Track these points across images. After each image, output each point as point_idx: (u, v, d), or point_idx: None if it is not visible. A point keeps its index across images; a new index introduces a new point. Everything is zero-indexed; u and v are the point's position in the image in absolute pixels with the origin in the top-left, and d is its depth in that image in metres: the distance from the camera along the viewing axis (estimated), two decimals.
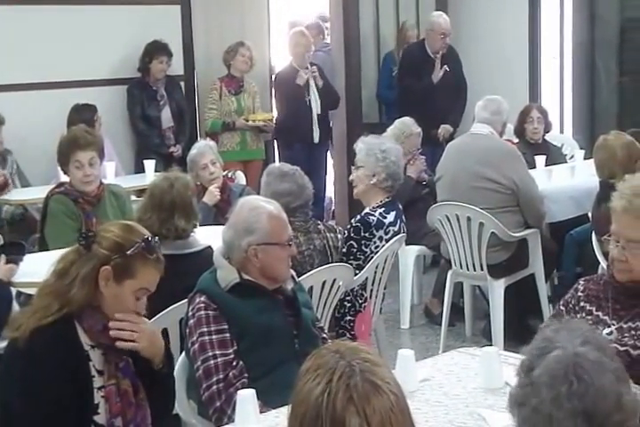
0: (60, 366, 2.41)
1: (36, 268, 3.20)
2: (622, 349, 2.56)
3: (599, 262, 4.70)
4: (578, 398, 1.59)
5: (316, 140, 6.97)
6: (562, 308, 2.84)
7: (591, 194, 4.90)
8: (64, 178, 4.72)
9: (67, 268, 2.49)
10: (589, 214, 5.02)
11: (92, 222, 4.36)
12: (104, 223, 2.78)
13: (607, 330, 2.66)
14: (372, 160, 4.35)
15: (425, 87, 7.04)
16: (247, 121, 6.85)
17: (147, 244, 2.49)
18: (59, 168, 4.79)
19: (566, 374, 1.61)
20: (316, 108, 6.94)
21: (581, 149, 6.59)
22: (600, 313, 2.74)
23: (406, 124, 5.94)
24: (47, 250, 4.29)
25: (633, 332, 2.65)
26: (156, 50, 6.67)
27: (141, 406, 2.55)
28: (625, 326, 2.67)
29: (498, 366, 2.70)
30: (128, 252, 2.46)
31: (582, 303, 2.79)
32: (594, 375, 1.61)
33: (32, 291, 2.85)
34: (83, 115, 6.05)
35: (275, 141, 7.36)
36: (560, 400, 1.59)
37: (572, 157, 6.64)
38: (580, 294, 2.81)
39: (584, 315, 2.77)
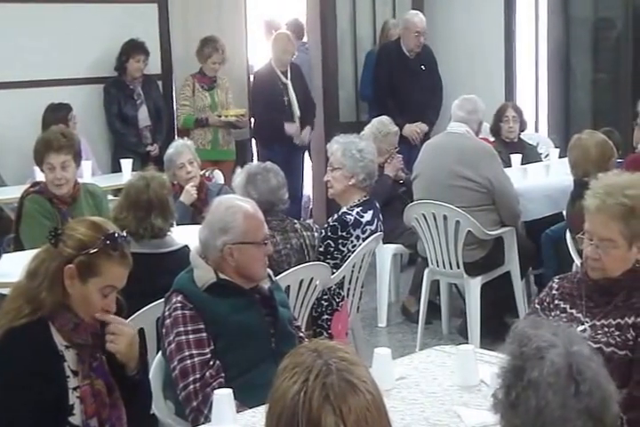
0: (33, 367, 2.39)
1: (12, 268, 3.19)
2: (596, 346, 2.58)
3: (574, 260, 4.73)
4: (585, 397, 1.60)
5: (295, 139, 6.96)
6: (537, 306, 2.85)
7: (566, 192, 4.92)
8: (39, 177, 4.68)
9: (37, 267, 2.48)
10: (564, 213, 5.05)
11: (69, 222, 4.31)
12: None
13: (581, 328, 2.68)
14: (350, 161, 4.36)
15: (400, 85, 7.06)
16: (220, 117, 6.84)
17: (109, 240, 2.45)
18: (35, 167, 4.76)
19: (570, 373, 1.61)
20: (294, 108, 6.93)
21: (556, 147, 6.62)
22: (574, 311, 2.76)
23: (384, 124, 5.95)
24: (23, 250, 4.26)
25: (606, 329, 2.67)
26: (133, 49, 6.64)
27: (116, 405, 2.54)
28: (598, 323, 2.69)
29: (473, 365, 2.72)
30: (90, 250, 2.44)
31: (557, 301, 2.80)
32: (593, 372, 1.62)
33: (7, 291, 2.83)
34: (57, 114, 6.01)
35: (253, 140, 7.36)
36: (569, 400, 1.60)
37: (547, 155, 6.67)
38: (554, 292, 2.83)
39: (559, 313, 2.78)
